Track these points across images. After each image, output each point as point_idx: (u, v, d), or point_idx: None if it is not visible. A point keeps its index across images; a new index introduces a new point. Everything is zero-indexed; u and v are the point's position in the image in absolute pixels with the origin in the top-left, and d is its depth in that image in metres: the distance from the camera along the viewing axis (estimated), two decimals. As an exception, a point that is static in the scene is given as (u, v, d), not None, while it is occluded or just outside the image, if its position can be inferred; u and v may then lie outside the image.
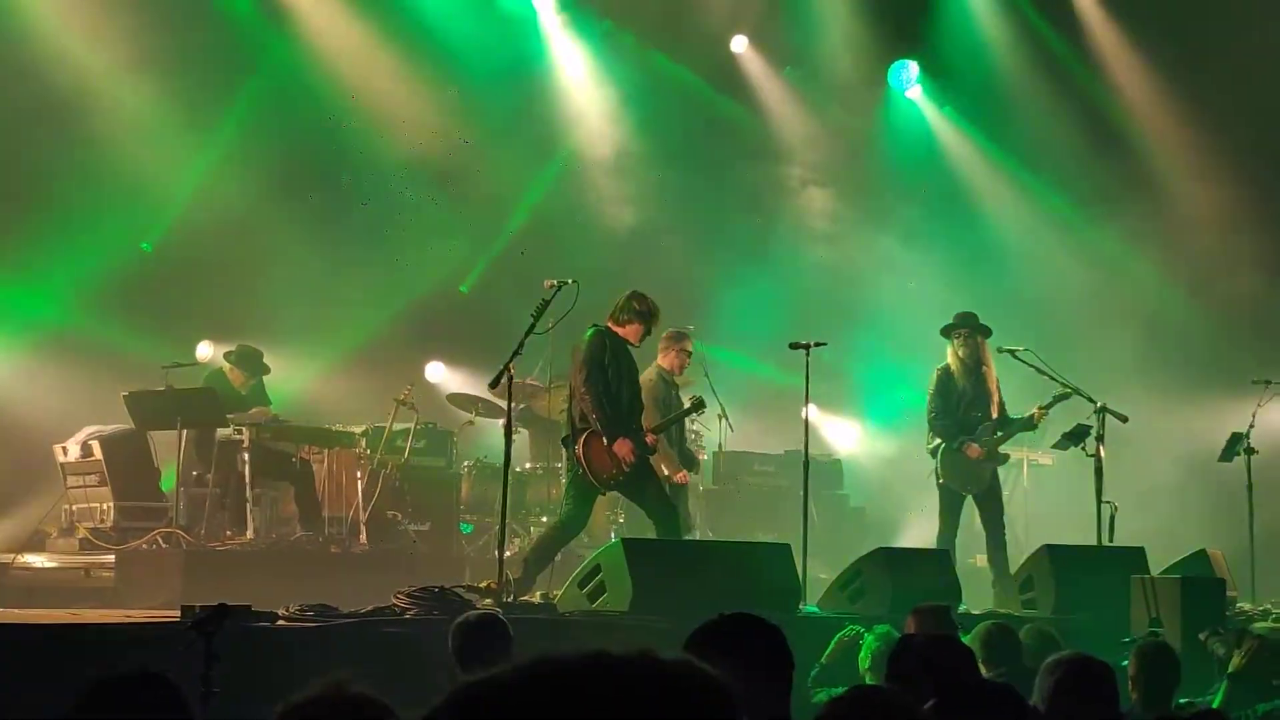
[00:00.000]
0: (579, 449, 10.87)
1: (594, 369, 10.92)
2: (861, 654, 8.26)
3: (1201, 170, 18.78)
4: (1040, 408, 12.94)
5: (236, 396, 13.55)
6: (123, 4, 15.32)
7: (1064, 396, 12.93)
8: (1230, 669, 7.78)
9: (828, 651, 8.73)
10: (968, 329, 13.04)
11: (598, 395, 10.89)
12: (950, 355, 13.07)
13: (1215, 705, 7.31)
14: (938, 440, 13.01)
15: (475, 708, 1.78)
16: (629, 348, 11.20)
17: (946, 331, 13.18)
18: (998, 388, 13.16)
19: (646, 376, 12.44)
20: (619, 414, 10.98)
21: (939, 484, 13.01)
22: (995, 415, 13.06)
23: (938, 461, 13.01)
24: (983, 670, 6.65)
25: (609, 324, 11.16)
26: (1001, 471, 16.83)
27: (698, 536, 14.35)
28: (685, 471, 12.99)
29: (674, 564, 10.24)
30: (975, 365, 12.98)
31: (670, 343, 13.00)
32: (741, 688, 1.83)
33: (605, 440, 10.86)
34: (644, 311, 11.16)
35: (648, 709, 1.74)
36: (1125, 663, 7.71)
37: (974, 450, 12.85)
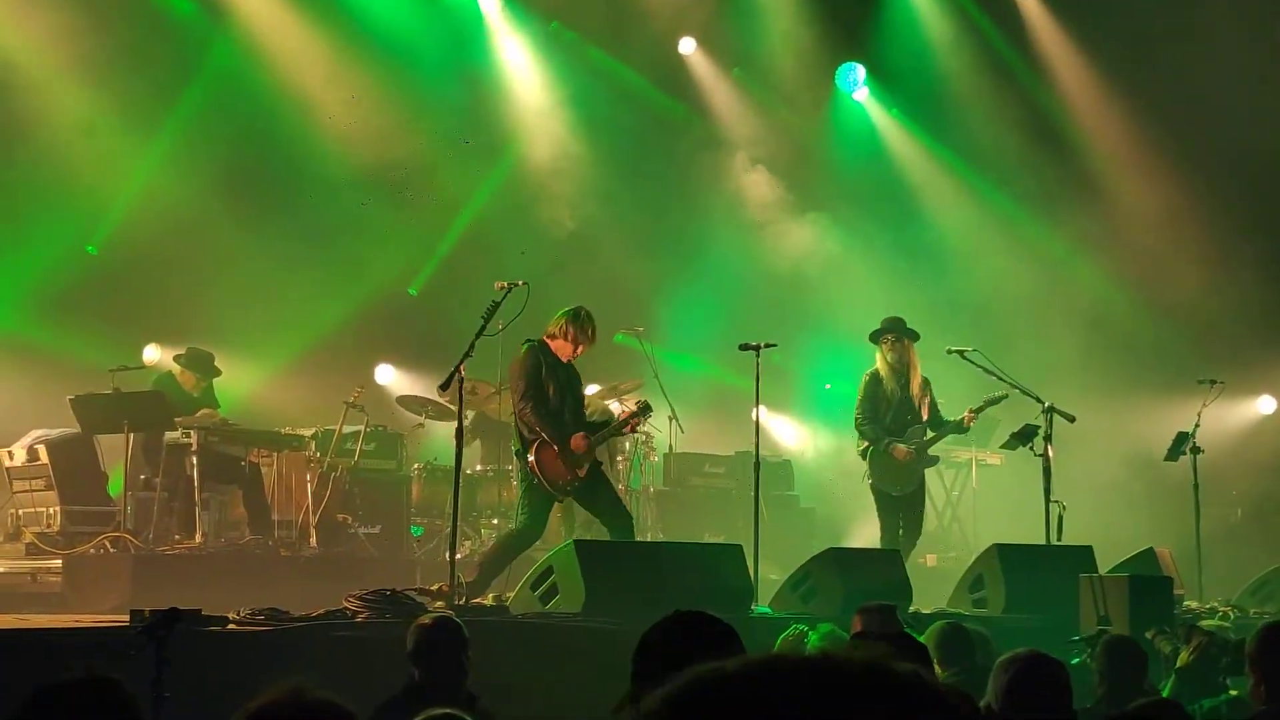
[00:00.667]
0: (532, 459, 10.88)
1: (529, 384, 10.96)
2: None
3: (1145, 170, 18.94)
4: (971, 410, 13.14)
5: (188, 399, 13.47)
6: (63, 4, 15.20)
7: (996, 400, 13.20)
8: (1178, 664, 7.85)
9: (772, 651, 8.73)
10: (895, 334, 13.18)
11: (537, 409, 10.93)
12: (879, 360, 13.24)
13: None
14: (866, 443, 13.19)
15: (708, 702, 1.73)
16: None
17: (875, 336, 13.31)
18: (928, 390, 13.33)
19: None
20: (561, 424, 11.00)
21: (870, 486, 13.20)
22: (926, 417, 13.23)
23: (867, 464, 13.20)
24: (937, 670, 6.69)
25: (544, 338, 11.17)
26: (950, 472, 17.07)
27: (649, 538, 14.36)
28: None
29: (626, 565, 10.25)
30: (904, 369, 13.16)
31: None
32: None
33: (558, 447, 10.87)
34: (580, 330, 11.15)
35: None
36: (1075, 660, 7.78)
37: (900, 451, 13.03)
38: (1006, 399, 13.24)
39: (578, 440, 10.97)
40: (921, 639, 6.97)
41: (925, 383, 13.31)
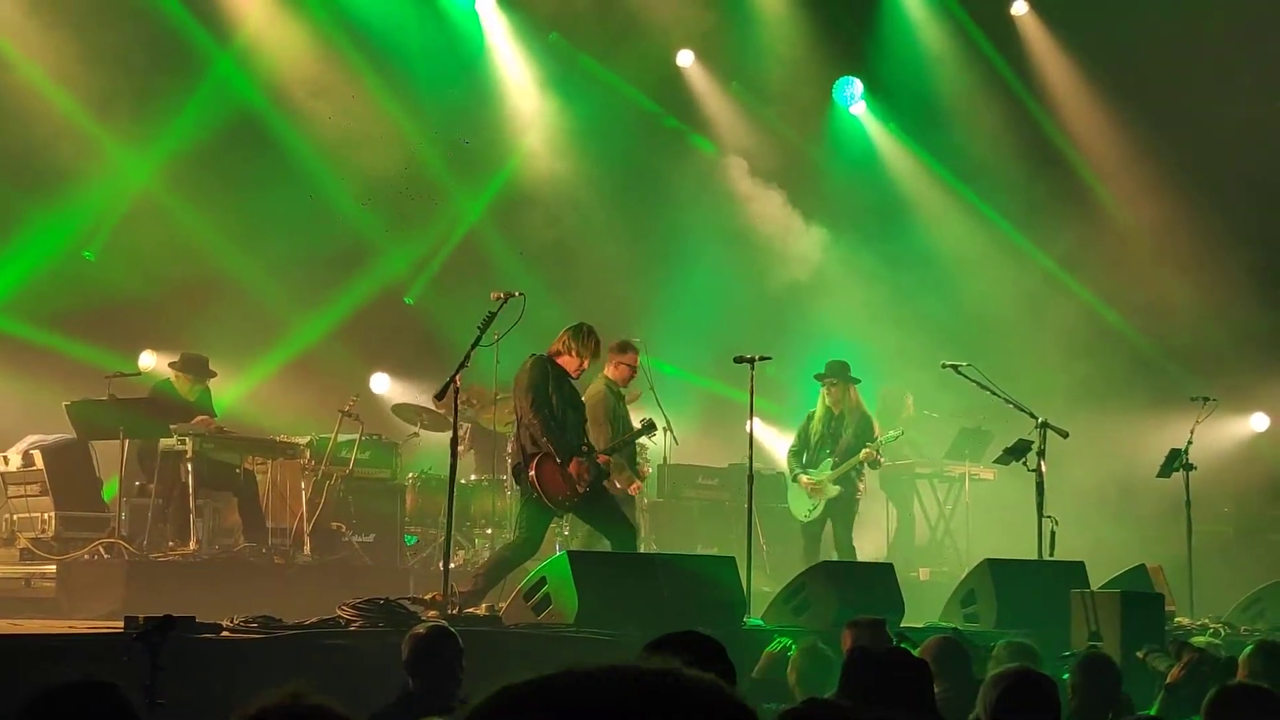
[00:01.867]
0: (532, 474, 10.89)
1: (538, 395, 10.98)
2: (788, 668, 8.29)
3: (1139, 185, 19.00)
4: (870, 446, 14.23)
5: (184, 403, 13.49)
6: (63, 12, 15.23)
7: (887, 440, 14.51)
8: (1168, 681, 7.87)
9: (757, 665, 8.77)
10: (835, 379, 14.40)
11: (545, 420, 10.95)
12: (820, 399, 14.50)
13: (1153, 713, 7.41)
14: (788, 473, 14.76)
15: (514, 711, 1.84)
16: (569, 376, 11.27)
17: (819, 378, 14.52)
18: (862, 424, 14.37)
19: (595, 390, 12.52)
20: (567, 438, 11.04)
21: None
22: (839, 454, 14.28)
23: (788, 493, 14.84)
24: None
25: (549, 354, 11.22)
26: (943, 486, 17.11)
27: (642, 549, 14.38)
28: (638, 482, 13.07)
29: (619, 577, 10.27)
30: (842, 411, 14.38)
31: (615, 354, 13.04)
32: None
33: (559, 461, 10.90)
34: (583, 345, 11.21)
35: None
36: (1066, 676, 7.80)
37: (802, 481, 14.38)
38: (904, 435, 15.13)
39: (577, 466, 10.99)
40: (917, 652, 7.00)
41: (867, 419, 14.46)
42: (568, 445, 11.05)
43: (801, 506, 14.47)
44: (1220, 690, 5.32)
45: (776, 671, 8.47)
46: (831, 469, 14.27)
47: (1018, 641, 8.35)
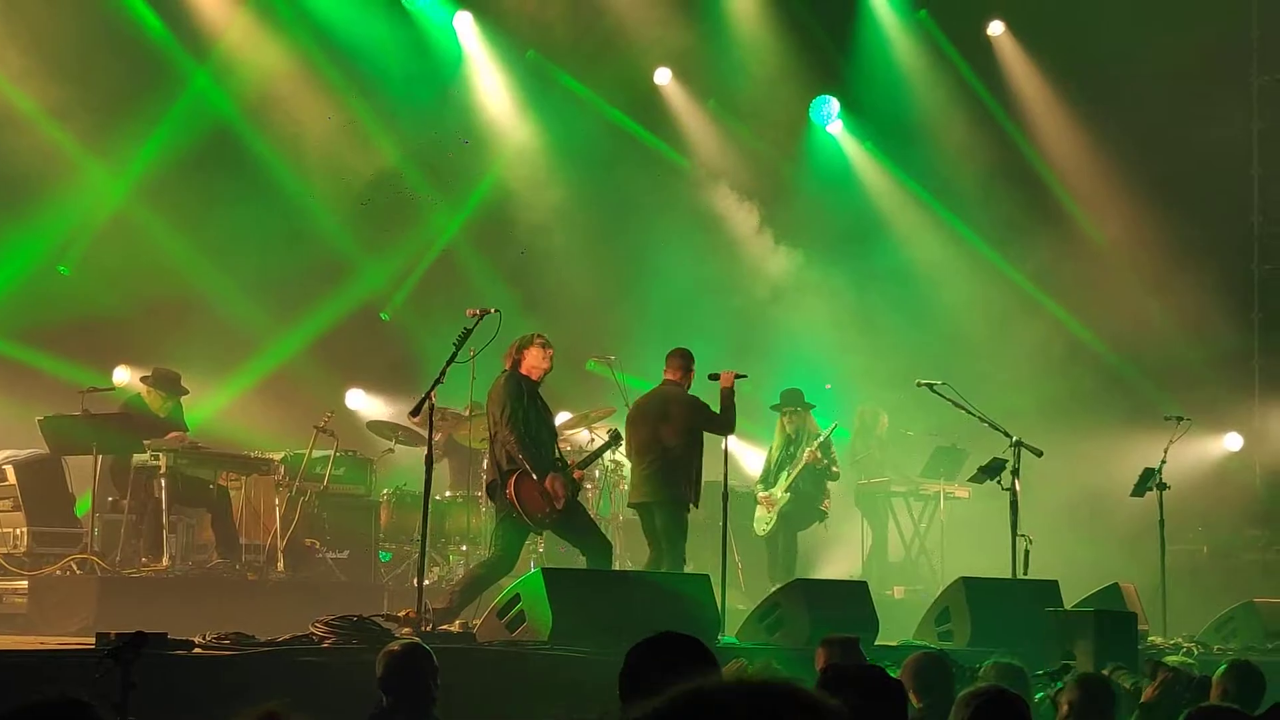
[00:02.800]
0: (510, 491, 10.88)
1: (514, 410, 10.96)
2: None
3: (1113, 205, 19.08)
4: (808, 448, 14.78)
5: (155, 419, 13.44)
6: (38, 27, 15.20)
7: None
8: (1142, 700, 7.89)
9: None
10: (793, 406, 15.00)
11: (521, 436, 10.94)
12: (778, 427, 15.13)
13: None
14: None
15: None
16: (538, 388, 11.25)
17: (776, 408, 15.13)
18: (810, 446, 14.81)
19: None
20: (542, 453, 11.04)
21: None
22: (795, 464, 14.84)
23: None
24: (913, 700, 6.71)
25: (513, 367, 11.19)
26: (918, 505, 17.16)
27: (616, 566, 14.36)
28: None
29: (594, 594, 10.25)
30: (799, 437, 14.94)
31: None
32: None
33: (536, 478, 10.89)
34: (536, 345, 11.21)
35: None
36: (1040, 695, 7.82)
37: (760, 497, 15.04)
38: (836, 427, 15.53)
39: (552, 482, 10.98)
40: (895, 672, 7.00)
41: (824, 444, 14.95)
42: (544, 461, 11.04)
43: (760, 522, 15.03)
44: (1193, 713, 5.34)
45: None
46: (784, 481, 14.86)
47: (1005, 662, 8.35)
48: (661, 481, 12.10)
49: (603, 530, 13.36)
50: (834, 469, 14.98)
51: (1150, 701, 7.78)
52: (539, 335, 11.36)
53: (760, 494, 15.02)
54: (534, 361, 11.20)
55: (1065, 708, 6.93)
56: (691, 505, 12.16)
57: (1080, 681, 7.08)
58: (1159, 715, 7.59)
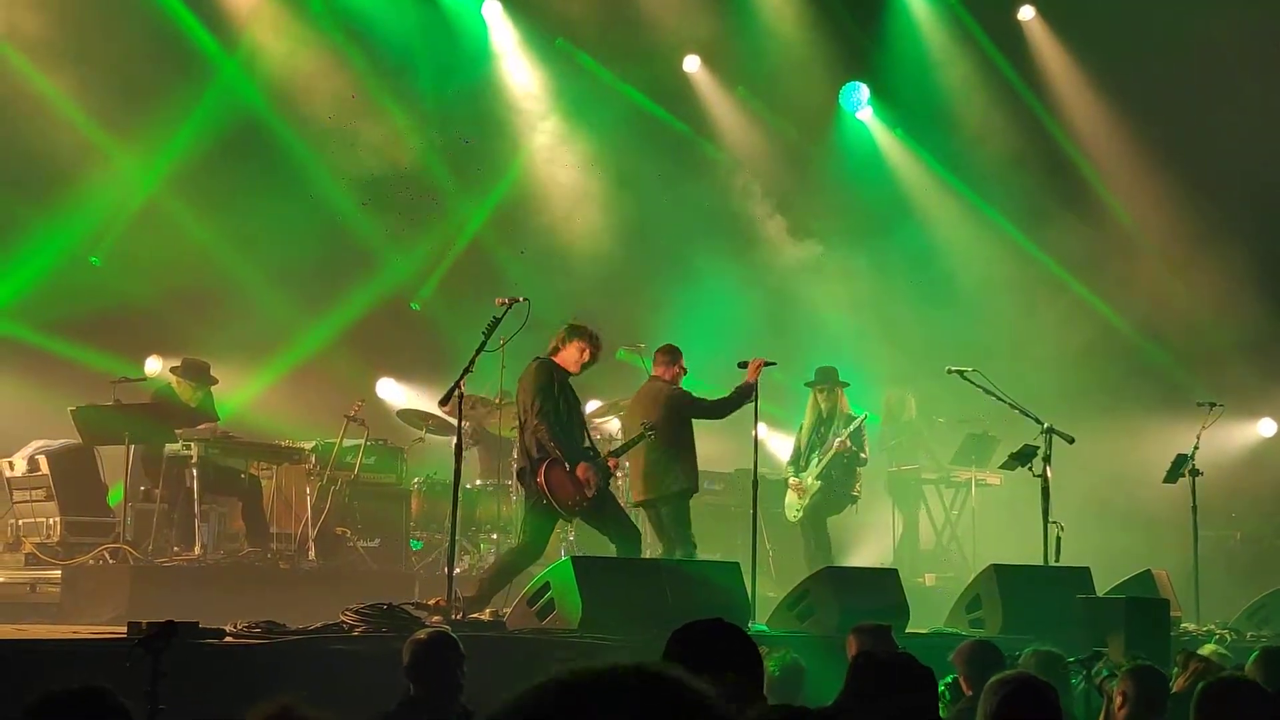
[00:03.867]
0: (541, 479, 10.88)
1: (545, 399, 10.97)
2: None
3: (1148, 191, 18.99)
4: (839, 436, 14.43)
5: (186, 409, 13.48)
6: (69, 19, 15.25)
7: (853, 427, 14.52)
8: (1174, 689, 7.86)
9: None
10: (827, 384, 14.65)
11: (552, 425, 10.95)
12: (809, 405, 14.75)
13: None
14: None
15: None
16: (569, 377, 11.25)
17: (809, 385, 14.79)
18: (847, 424, 14.53)
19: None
20: (573, 442, 11.04)
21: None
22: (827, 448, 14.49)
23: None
24: (965, 687, 6.70)
25: (550, 356, 11.20)
26: (949, 492, 17.11)
27: (646, 554, 14.36)
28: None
29: (623, 582, 10.24)
30: (831, 415, 14.62)
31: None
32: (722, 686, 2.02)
33: (568, 466, 10.89)
34: (583, 341, 11.21)
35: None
36: (1073, 681, 7.79)
37: (791, 484, 14.77)
38: (865, 416, 14.99)
39: (585, 470, 10.99)
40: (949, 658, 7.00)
41: (849, 419, 14.62)
42: (575, 449, 11.06)
43: (791, 508, 14.80)
44: (1210, 684, 5.32)
45: None
46: (808, 466, 14.60)
47: (1045, 650, 8.33)
48: (658, 478, 12.21)
49: (631, 516, 13.36)
50: (863, 454, 14.89)
51: (1181, 691, 7.75)
52: (588, 334, 11.30)
53: (791, 480, 14.78)
54: (572, 356, 11.20)
55: (1120, 699, 6.90)
56: (692, 491, 12.30)
57: (1134, 672, 7.04)
58: (1189, 704, 7.55)
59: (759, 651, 4.59)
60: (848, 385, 14.79)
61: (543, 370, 11.10)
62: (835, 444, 14.45)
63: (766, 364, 12.29)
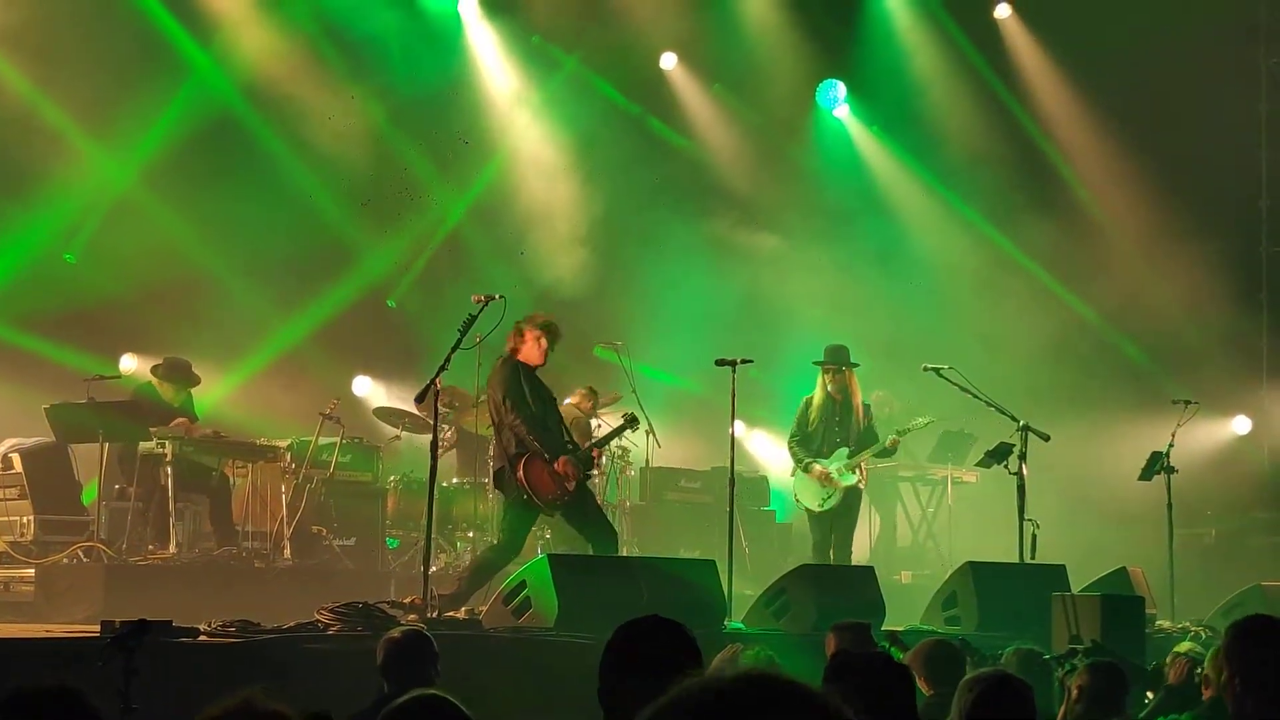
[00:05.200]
0: (520, 474, 10.85)
1: (516, 397, 10.93)
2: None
3: (1121, 189, 19.03)
4: (897, 433, 13.71)
5: (167, 408, 13.43)
6: (44, 13, 15.17)
7: (921, 425, 14.02)
8: (1169, 682, 7.90)
9: (709, 669, 8.72)
10: (836, 365, 13.81)
11: (528, 419, 10.93)
12: (819, 385, 13.85)
13: (1140, 716, 7.44)
14: (795, 464, 13.92)
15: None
16: (536, 372, 11.21)
17: (818, 364, 13.92)
18: (868, 414, 13.95)
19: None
20: (551, 436, 11.03)
21: (799, 504, 13.96)
22: (853, 442, 13.71)
23: (794, 482, 13.89)
24: (924, 688, 6.69)
25: (511, 354, 11.15)
26: (925, 489, 17.12)
27: (624, 552, 14.36)
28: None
29: (599, 580, 10.24)
30: (844, 397, 13.78)
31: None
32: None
33: (549, 459, 10.88)
34: (535, 330, 11.10)
35: None
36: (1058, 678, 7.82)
37: (815, 471, 13.60)
38: (932, 423, 14.40)
39: (565, 464, 10.96)
40: (903, 657, 6.99)
41: (866, 408, 13.96)
42: (555, 442, 11.03)
43: (814, 496, 13.70)
44: (1239, 622, 5.39)
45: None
46: (848, 457, 13.71)
47: (1027, 649, 8.35)
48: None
49: (609, 517, 13.35)
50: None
51: (1176, 685, 7.78)
52: (538, 320, 11.24)
53: (816, 468, 13.65)
54: (532, 349, 11.12)
55: (1075, 692, 6.92)
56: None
57: (1091, 667, 7.07)
58: (1186, 696, 7.57)
59: (699, 651, 4.55)
60: (858, 366, 14.00)
61: (506, 368, 11.08)
62: (890, 441, 13.67)
63: (742, 361, 12.27)
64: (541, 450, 10.90)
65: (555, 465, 10.92)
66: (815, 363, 13.98)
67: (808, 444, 13.80)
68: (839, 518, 13.73)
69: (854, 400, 13.81)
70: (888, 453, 14.01)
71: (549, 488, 10.93)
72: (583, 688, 4.68)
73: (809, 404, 13.89)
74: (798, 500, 13.92)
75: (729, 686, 1.96)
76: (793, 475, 13.99)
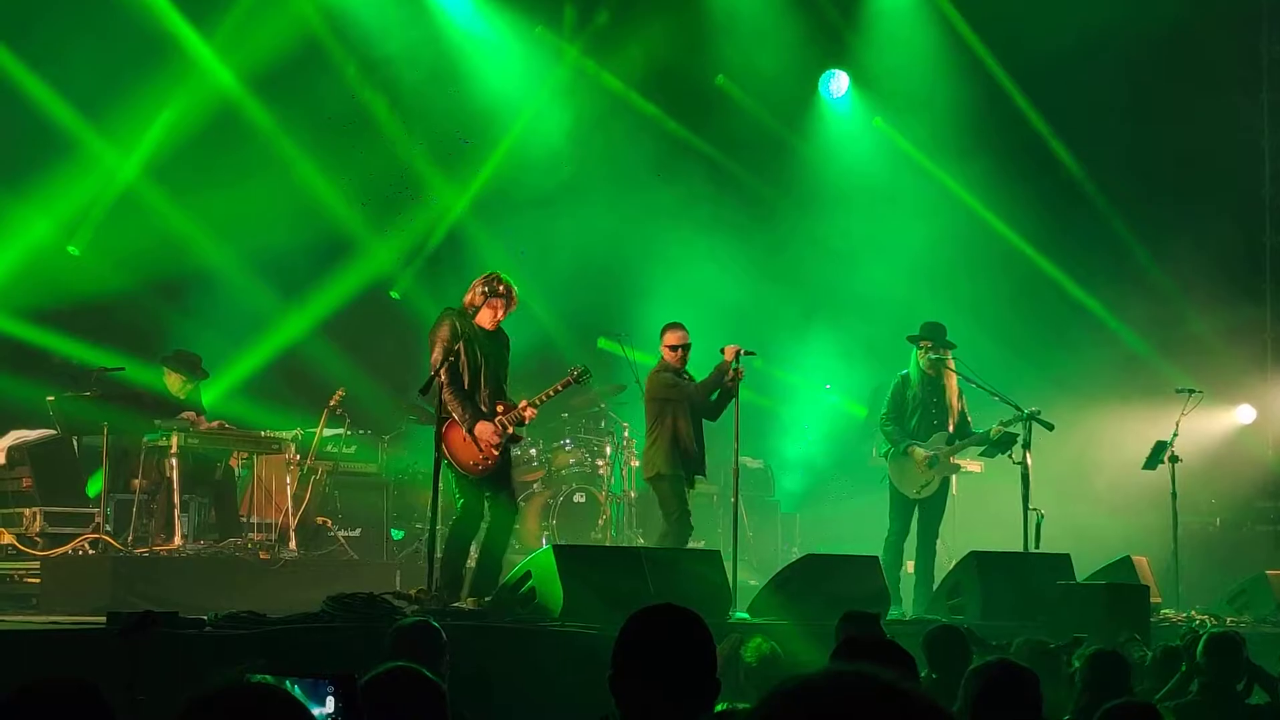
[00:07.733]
0: (441, 439, 10.59)
1: (444, 352, 10.51)
2: (738, 668, 8.31)
3: (1125, 178, 19.01)
4: (1001, 424, 13.01)
5: (175, 401, 13.44)
6: (45, 5, 15.17)
7: (1027, 416, 12.92)
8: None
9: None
10: (932, 341, 13.17)
11: (450, 384, 10.55)
12: (913, 363, 13.25)
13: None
14: (887, 445, 13.34)
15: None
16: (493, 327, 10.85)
17: (913, 340, 13.30)
18: (960, 399, 13.35)
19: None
20: (473, 400, 10.68)
21: (889, 487, 13.32)
22: (953, 426, 13.23)
23: (887, 465, 13.35)
24: (923, 672, 6.71)
25: (464, 305, 10.76)
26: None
27: (628, 543, 14.37)
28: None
29: (604, 570, 10.25)
30: (938, 376, 13.18)
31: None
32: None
33: (465, 427, 10.61)
34: (480, 285, 10.74)
35: None
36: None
37: (917, 454, 13.05)
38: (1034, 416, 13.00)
39: (482, 430, 10.59)
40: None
41: (960, 393, 13.34)
42: (472, 408, 10.63)
43: (913, 482, 13.16)
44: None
45: (727, 666, 8.44)
46: (948, 443, 13.17)
47: (1036, 640, 8.37)
48: (645, 461, 12.31)
49: (613, 505, 13.37)
50: None
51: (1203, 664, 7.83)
52: (483, 278, 10.82)
53: (916, 448, 13.08)
54: (481, 306, 10.72)
55: (1079, 683, 6.94)
56: (681, 476, 12.06)
57: (1092, 656, 7.09)
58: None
59: (714, 641, 4.53)
60: (955, 347, 13.33)
61: (446, 322, 10.66)
62: (994, 431, 12.97)
63: (745, 353, 12.25)
64: (459, 418, 10.57)
65: (474, 430, 10.55)
66: (910, 338, 13.38)
67: (903, 424, 13.24)
68: (929, 507, 13.29)
69: (949, 381, 13.25)
70: (995, 446, 13.11)
71: (469, 454, 10.61)
72: (588, 678, 4.68)
73: (905, 382, 13.26)
74: (890, 484, 13.32)
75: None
76: (884, 458, 13.48)
